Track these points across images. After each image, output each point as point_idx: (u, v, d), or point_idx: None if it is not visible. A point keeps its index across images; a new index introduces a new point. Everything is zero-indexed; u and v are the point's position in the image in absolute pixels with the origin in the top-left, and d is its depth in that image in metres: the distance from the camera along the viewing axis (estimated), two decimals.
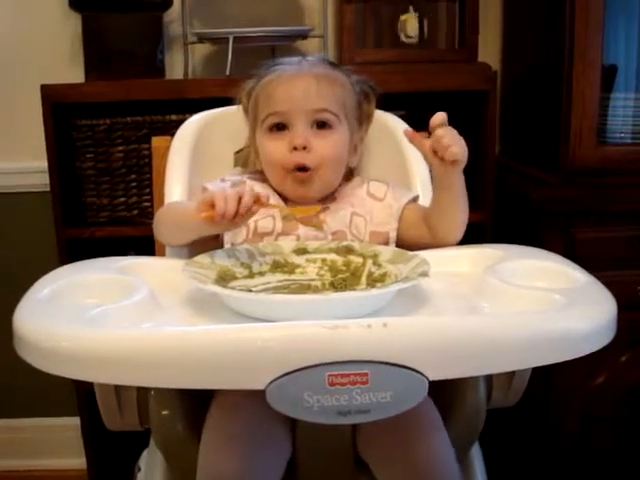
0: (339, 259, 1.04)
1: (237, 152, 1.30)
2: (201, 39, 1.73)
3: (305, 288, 1.00)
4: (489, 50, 1.85)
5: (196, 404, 1.03)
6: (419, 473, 0.93)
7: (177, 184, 1.20)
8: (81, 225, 1.67)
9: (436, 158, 1.03)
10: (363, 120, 1.22)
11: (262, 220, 1.12)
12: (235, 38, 1.63)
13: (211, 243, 1.08)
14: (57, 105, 1.57)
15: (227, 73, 1.62)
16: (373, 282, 0.97)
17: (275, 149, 1.15)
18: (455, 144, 1.00)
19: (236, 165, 1.30)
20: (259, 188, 1.14)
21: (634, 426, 1.62)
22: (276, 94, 1.15)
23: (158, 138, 1.34)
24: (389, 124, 1.29)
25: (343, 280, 1.00)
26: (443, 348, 0.75)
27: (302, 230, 1.13)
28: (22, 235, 1.93)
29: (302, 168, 1.13)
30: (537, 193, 1.57)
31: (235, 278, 0.98)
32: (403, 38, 1.75)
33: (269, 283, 1.00)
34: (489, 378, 1.07)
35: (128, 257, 1.08)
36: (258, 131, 1.18)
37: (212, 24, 1.80)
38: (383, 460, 0.97)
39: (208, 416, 0.99)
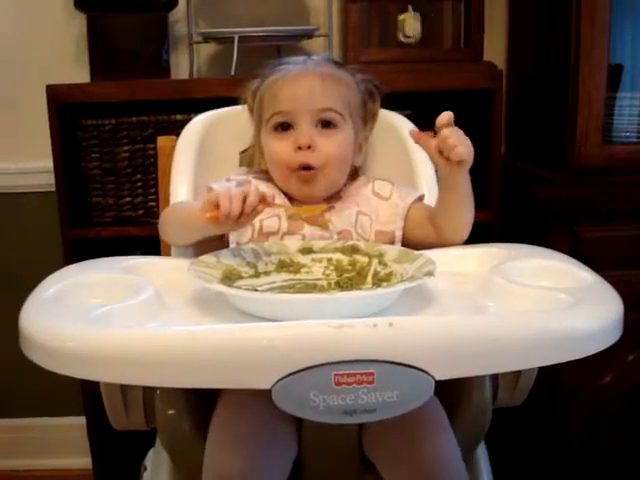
0: (345, 258, 1.04)
1: (242, 152, 1.30)
2: (206, 39, 1.73)
3: (311, 287, 1.00)
4: (495, 49, 1.84)
5: (202, 404, 1.03)
6: (425, 472, 0.93)
7: (182, 184, 1.20)
8: (86, 225, 1.67)
9: (442, 158, 1.03)
10: (368, 119, 1.22)
11: (267, 219, 1.12)
12: (240, 38, 1.63)
13: (216, 243, 1.08)
14: (62, 105, 1.57)
15: (232, 73, 1.63)
16: (379, 281, 0.97)
17: (280, 148, 1.14)
18: (461, 144, 1.00)
19: (241, 165, 1.30)
20: (264, 188, 1.14)
21: None
22: (281, 93, 1.15)
23: (163, 138, 1.34)
24: (395, 123, 1.29)
25: (349, 279, 1.00)
26: (449, 347, 0.75)
27: (308, 229, 1.12)
28: (27, 235, 1.93)
29: (306, 167, 1.13)
30: (543, 192, 1.57)
31: (241, 277, 0.98)
32: (401, 38, 1.75)
33: (275, 282, 1.00)
34: (495, 377, 1.07)
35: (133, 257, 1.09)
36: (263, 130, 1.18)
37: (217, 24, 1.80)
38: (389, 459, 0.97)
39: (214, 416, 0.99)
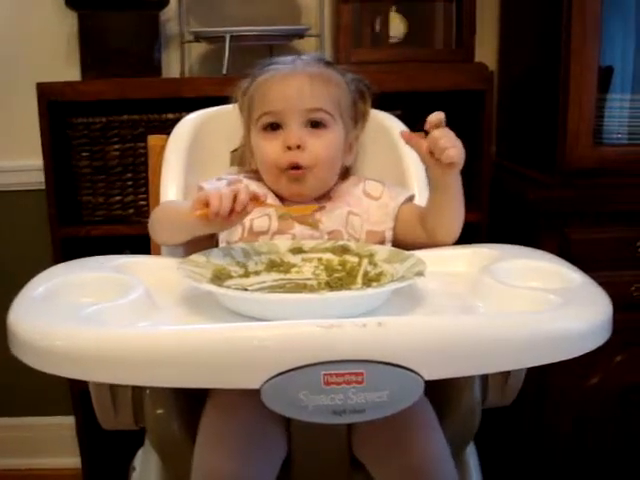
0: (335, 258, 1.04)
1: (233, 151, 1.29)
2: (198, 38, 1.72)
3: (301, 287, 1.00)
4: (486, 50, 1.85)
5: (191, 403, 1.03)
6: (415, 472, 0.93)
7: (173, 183, 1.20)
8: (77, 224, 1.67)
9: (433, 160, 1.03)
10: (358, 119, 1.22)
11: (258, 219, 1.12)
12: (232, 37, 1.63)
13: (206, 242, 1.08)
14: (53, 103, 1.56)
15: (224, 72, 1.62)
16: (369, 281, 0.97)
17: (269, 149, 1.14)
18: (452, 146, 1.00)
19: (232, 164, 1.30)
20: (255, 187, 1.14)
21: (628, 426, 1.62)
22: (270, 94, 1.15)
23: (154, 137, 1.34)
24: (385, 124, 1.29)
25: (339, 279, 1.00)
26: (438, 348, 0.75)
27: (298, 229, 1.12)
28: (17, 233, 1.92)
29: (296, 166, 1.13)
30: (533, 194, 1.57)
31: (230, 277, 0.98)
32: (382, 37, 1.75)
33: (265, 282, 1.00)
34: (485, 378, 1.07)
35: (124, 256, 1.08)
36: (253, 130, 1.18)
37: (209, 23, 1.80)
38: (379, 459, 0.97)
39: (203, 415, 0.99)
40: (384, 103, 1.26)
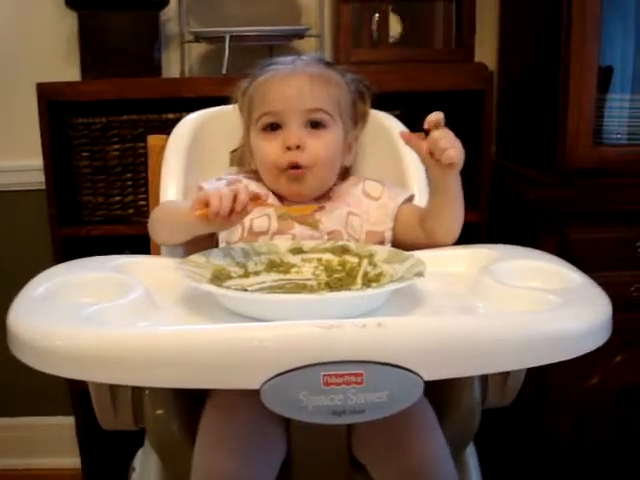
0: (335, 259, 1.04)
1: (233, 151, 1.29)
2: (198, 38, 1.72)
3: (300, 288, 1.00)
4: (486, 50, 1.85)
5: (191, 404, 1.03)
6: (414, 473, 0.93)
7: (173, 183, 1.20)
8: (77, 224, 1.67)
9: (432, 160, 1.03)
10: (358, 119, 1.22)
11: (257, 219, 1.12)
12: (232, 37, 1.63)
13: (206, 242, 1.08)
14: (53, 103, 1.56)
15: (223, 72, 1.62)
16: (368, 282, 0.97)
17: (269, 149, 1.14)
18: (452, 147, 1.00)
19: (232, 164, 1.30)
20: (255, 187, 1.14)
21: (628, 427, 1.62)
22: (270, 94, 1.15)
23: (154, 137, 1.34)
24: (385, 124, 1.29)
25: (338, 280, 1.00)
26: (438, 348, 0.75)
27: (298, 229, 1.12)
28: (18, 233, 1.92)
29: (295, 166, 1.13)
30: (533, 194, 1.57)
31: (230, 277, 0.98)
32: (375, 37, 1.75)
33: (264, 282, 1.00)
34: (484, 378, 1.07)
35: (123, 256, 1.08)
36: (252, 131, 1.18)
37: (209, 23, 1.80)
38: (378, 460, 0.97)
39: (203, 416, 0.99)
40: (384, 103, 1.26)
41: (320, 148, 1.13)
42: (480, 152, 1.63)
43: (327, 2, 1.77)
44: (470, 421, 1.06)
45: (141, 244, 1.26)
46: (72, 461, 1.90)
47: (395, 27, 1.75)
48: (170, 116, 1.60)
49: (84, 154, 1.65)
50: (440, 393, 1.01)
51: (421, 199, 1.19)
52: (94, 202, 1.67)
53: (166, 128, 1.37)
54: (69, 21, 1.76)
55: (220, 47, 1.66)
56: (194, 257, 0.99)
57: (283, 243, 1.07)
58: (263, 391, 0.73)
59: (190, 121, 1.29)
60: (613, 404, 1.61)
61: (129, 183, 1.66)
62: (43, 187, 1.62)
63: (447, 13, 1.80)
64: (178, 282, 0.93)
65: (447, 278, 1.02)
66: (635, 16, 1.63)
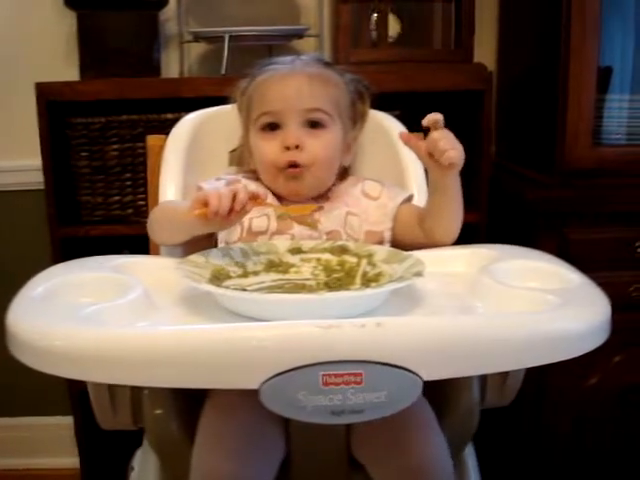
0: (334, 259, 1.04)
1: (232, 151, 1.29)
2: (197, 38, 1.72)
3: (299, 288, 0.99)
4: (485, 51, 1.85)
5: (190, 403, 1.03)
6: (414, 473, 0.93)
7: (172, 183, 1.20)
8: (76, 224, 1.67)
9: (432, 161, 1.02)
10: (357, 119, 1.22)
11: (256, 219, 1.12)
12: (231, 37, 1.63)
13: (205, 242, 1.08)
14: (52, 103, 1.56)
15: (223, 72, 1.62)
16: (367, 282, 0.97)
17: (268, 149, 1.14)
18: (452, 148, 1.00)
19: (231, 164, 1.29)
20: (254, 187, 1.14)
21: (627, 427, 1.62)
22: (269, 94, 1.15)
23: (153, 137, 1.34)
24: (384, 124, 1.29)
25: (337, 280, 1.00)
26: (437, 348, 0.75)
27: (297, 229, 1.12)
28: (17, 233, 1.92)
29: (294, 165, 1.13)
30: (532, 194, 1.57)
31: (229, 277, 0.98)
32: (374, 37, 1.75)
33: (263, 282, 1.00)
34: (483, 378, 1.07)
35: (122, 256, 1.08)
36: (251, 130, 1.18)
37: (208, 23, 1.80)
38: (377, 460, 0.97)
39: (202, 416, 0.99)
40: (383, 103, 1.26)
41: (319, 148, 1.13)
42: (479, 152, 1.63)
43: (326, 2, 1.77)
44: (469, 421, 1.06)
45: (140, 244, 1.26)
46: (71, 461, 1.90)
47: (394, 27, 1.75)
48: (169, 116, 1.60)
49: (83, 154, 1.64)
50: (439, 393, 1.01)
51: (420, 199, 1.19)
52: (93, 202, 1.67)
53: (165, 128, 1.37)
54: (68, 21, 1.76)
55: (219, 47, 1.66)
56: (193, 257, 0.98)
57: (282, 243, 1.07)
58: (262, 391, 0.73)
59: (189, 121, 1.29)
60: (612, 404, 1.61)
61: (128, 183, 1.66)
62: (42, 187, 1.61)
63: (446, 13, 1.80)
64: (177, 282, 0.93)
65: (446, 278, 1.02)
66: (635, 16, 1.63)
